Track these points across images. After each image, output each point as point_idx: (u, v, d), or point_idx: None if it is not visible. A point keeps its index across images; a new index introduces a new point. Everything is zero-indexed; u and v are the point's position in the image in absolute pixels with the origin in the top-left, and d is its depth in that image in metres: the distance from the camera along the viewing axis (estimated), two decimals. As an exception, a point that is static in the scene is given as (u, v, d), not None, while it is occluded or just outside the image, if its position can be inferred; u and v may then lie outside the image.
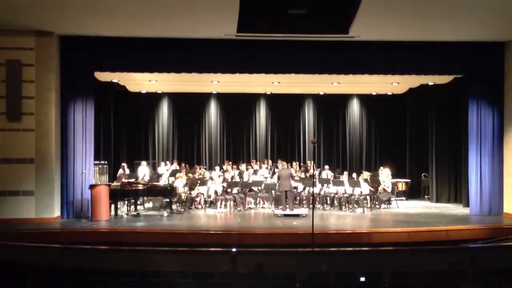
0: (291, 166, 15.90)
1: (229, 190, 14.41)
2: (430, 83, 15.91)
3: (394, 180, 16.20)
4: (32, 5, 10.71)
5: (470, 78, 13.74)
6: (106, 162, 16.13)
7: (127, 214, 13.45)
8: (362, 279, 6.56)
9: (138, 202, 14.55)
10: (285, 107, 19.37)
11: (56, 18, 11.51)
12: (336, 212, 14.16)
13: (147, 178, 15.08)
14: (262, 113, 19.54)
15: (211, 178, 14.69)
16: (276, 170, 16.35)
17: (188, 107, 19.10)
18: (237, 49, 12.97)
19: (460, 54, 13.23)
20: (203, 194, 14.45)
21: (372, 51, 13.10)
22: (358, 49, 12.99)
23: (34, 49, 12.35)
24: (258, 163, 17.47)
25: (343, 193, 14.46)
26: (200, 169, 16.34)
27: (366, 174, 15.71)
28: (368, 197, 14.77)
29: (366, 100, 19.33)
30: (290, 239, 10.90)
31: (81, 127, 12.97)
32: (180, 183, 14.35)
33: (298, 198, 14.73)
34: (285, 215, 13.17)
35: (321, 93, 18.76)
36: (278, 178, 13.99)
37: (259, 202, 15.16)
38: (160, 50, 12.90)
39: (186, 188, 14.38)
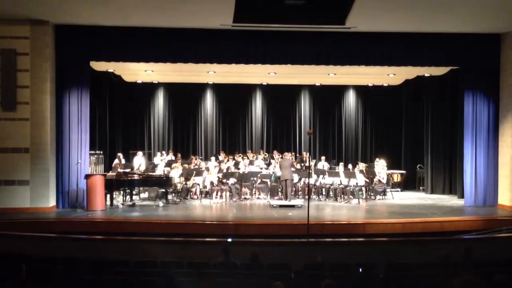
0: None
1: (224, 180, 14.42)
2: (426, 75, 15.94)
3: (390, 171, 16.26)
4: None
5: (466, 70, 13.74)
6: (101, 152, 16.12)
7: (122, 204, 13.45)
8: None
9: (134, 192, 14.56)
10: (281, 98, 19.36)
11: (52, 7, 11.43)
12: (332, 203, 14.21)
13: (142, 168, 15.08)
14: (258, 104, 19.52)
15: (207, 169, 14.70)
16: (272, 161, 16.37)
17: (184, 97, 19.06)
18: (233, 40, 12.94)
19: (456, 46, 13.23)
20: (198, 184, 14.45)
21: (369, 43, 13.07)
22: (354, 40, 12.96)
23: (29, 38, 12.28)
24: (254, 154, 17.47)
25: (339, 184, 14.50)
26: (196, 159, 16.33)
27: (361, 165, 15.77)
28: (363, 188, 14.84)
29: (362, 91, 19.34)
30: (286, 229, 10.94)
31: (77, 116, 12.93)
32: (176, 173, 14.35)
33: (294, 189, 14.74)
34: (281, 206, 13.20)
35: (317, 84, 18.75)
36: (280, 167, 13.99)
37: (255, 193, 15.18)
38: (156, 40, 12.86)
39: (182, 179, 14.38)
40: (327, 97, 19.39)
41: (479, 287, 5.40)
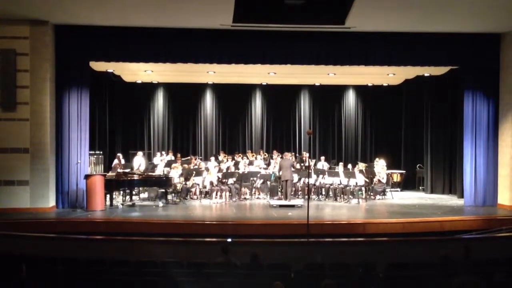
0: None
1: (224, 180, 14.42)
2: (426, 75, 15.92)
3: (389, 171, 16.26)
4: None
5: (465, 69, 13.75)
6: (101, 152, 16.11)
7: (122, 204, 13.45)
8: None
9: (134, 192, 14.57)
10: (281, 98, 19.36)
11: (51, 7, 11.43)
12: (331, 203, 14.20)
13: (142, 168, 15.06)
14: (258, 104, 19.53)
15: (207, 169, 14.69)
16: (271, 160, 16.36)
17: (184, 97, 19.07)
18: (233, 40, 12.93)
19: (456, 45, 13.22)
20: (198, 184, 14.44)
21: (368, 42, 13.07)
22: (354, 40, 12.96)
23: (28, 38, 12.27)
24: (253, 154, 17.48)
25: (339, 184, 14.49)
26: (195, 159, 16.33)
27: (361, 165, 15.76)
28: (363, 188, 14.83)
29: (362, 91, 19.34)
30: (285, 229, 10.94)
31: (76, 116, 12.93)
32: (175, 173, 14.35)
33: (294, 188, 14.73)
34: (281, 206, 13.20)
35: (317, 84, 18.75)
36: (280, 168, 13.99)
37: (255, 193, 15.18)
38: (156, 40, 12.85)
39: (182, 179, 14.38)
40: (327, 97, 19.39)
41: (479, 286, 5.40)
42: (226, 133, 19.57)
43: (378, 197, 15.04)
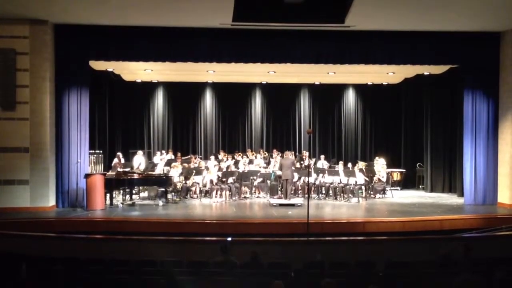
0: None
1: (224, 179, 14.42)
2: (425, 73, 15.92)
3: (389, 170, 16.25)
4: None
5: (465, 68, 13.73)
6: (101, 151, 16.10)
7: (122, 204, 13.45)
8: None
9: (134, 192, 14.55)
10: (280, 97, 19.34)
11: (51, 7, 11.42)
12: (331, 202, 14.21)
13: (142, 167, 15.07)
14: (257, 103, 19.51)
15: (207, 168, 14.69)
16: (271, 159, 16.36)
17: (184, 96, 19.03)
18: (232, 39, 12.93)
19: (455, 44, 13.22)
20: (198, 183, 14.45)
21: (368, 41, 13.07)
22: (354, 39, 12.96)
23: (28, 38, 12.27)
24: (253, 152, 17.47)
25: (338, 183, 14.50)
26: (195, 158, 16.32)
27: (361, 164, 15.74)
28: (363, 187, 14.83)
29: (361, 90, 19.31)
30: (285, 228, 10.93)
31: (76, 116, 12.92)
32: (175, 172, 14.35)
33: (293, 187, 14.73)
34: (281, 205, 13.20)
35: (317, 83, 18.73)
36: (280, 167, 13.99)
37: (255, 192, 15.19)
38: (155, 39, 12.84)
39: (182, 178, 14.39)
40: (327, 96, 19.36)
41: (479, 285, 5.41)
42: (226, 132, 19.55)
43: (378, 196, 15.04)
